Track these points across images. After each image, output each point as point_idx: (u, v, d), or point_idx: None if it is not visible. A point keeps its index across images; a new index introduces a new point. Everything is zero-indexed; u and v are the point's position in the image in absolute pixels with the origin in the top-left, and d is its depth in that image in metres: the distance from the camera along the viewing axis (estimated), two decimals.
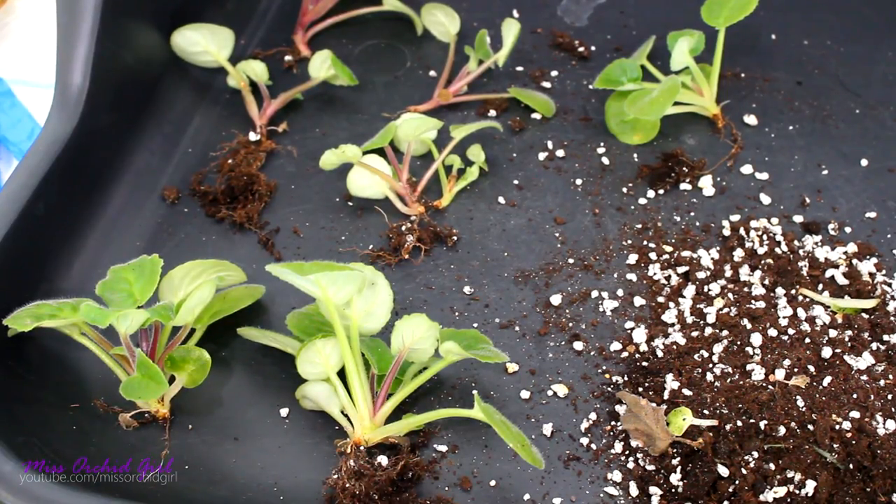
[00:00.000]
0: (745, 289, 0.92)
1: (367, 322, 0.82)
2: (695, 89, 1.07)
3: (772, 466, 0.78)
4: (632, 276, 0.95)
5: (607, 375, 0.88)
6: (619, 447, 0.83)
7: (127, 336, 0.80)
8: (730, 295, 0.92)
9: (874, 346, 0.87)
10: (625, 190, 1.03)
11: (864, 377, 0.84)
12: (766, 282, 0.93)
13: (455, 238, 0.99)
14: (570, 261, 0.97)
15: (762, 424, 0.80)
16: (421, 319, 0.81)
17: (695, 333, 0.89)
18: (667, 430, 0.80)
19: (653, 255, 0.97)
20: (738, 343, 0.87)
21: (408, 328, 0.81)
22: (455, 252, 0.98)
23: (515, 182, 1.04)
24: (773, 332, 0.88)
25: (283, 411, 0.86)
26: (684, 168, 1.03)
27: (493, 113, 1.11)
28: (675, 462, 0.81)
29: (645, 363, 0.88)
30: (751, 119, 1.09)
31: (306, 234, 1.00)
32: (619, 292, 0.94)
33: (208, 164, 1.06)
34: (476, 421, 0.83)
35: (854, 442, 0.79)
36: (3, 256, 0.87)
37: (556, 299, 0.94)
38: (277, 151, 1.08)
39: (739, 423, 0.80)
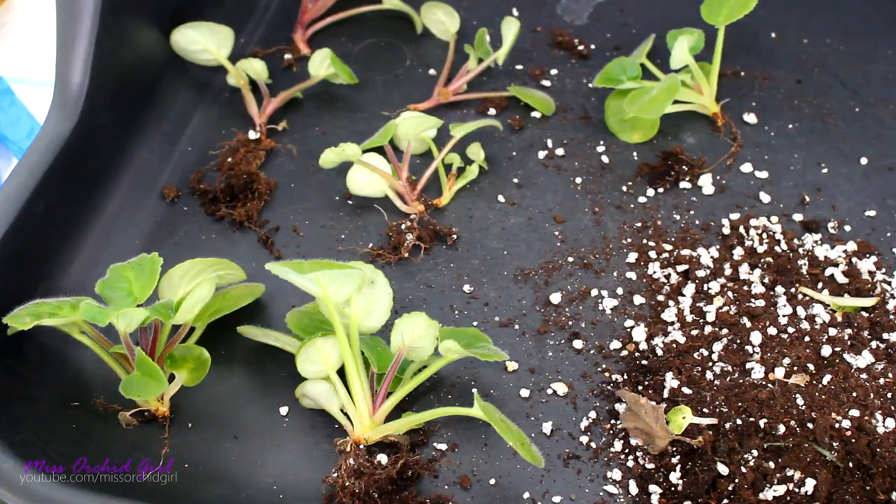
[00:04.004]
0: (745, 287, 0.92)
1: (367, 320, 0.82)
2: (694, 88, 1.07)
3: (771, 465, 0.78)
4: (631, 275, 0.95)
5: (607, 374, 0.88)
6: (618, 445, 0.83)
7: (126, 334, 0.80)
8: (729, 293, 0.92)
9: (874, 344, 0.87)
10: (624, 188, 1.03)
11: (864, 375, 0.84)
12: (766, 280, 0.93)
13: (455, 236, 0.99)
14: (570, 259, 0.97)
15: (762, 423, 0.80)
16: (420, 318, 0.81)
17: (694, 332, 0.89)
18: (666, 429, 0.80)
19: (652, 254, 0.97)
20: (738, 341, 0.87)
21: (407, 326, 0.81)
22: (455, 250, 0.98)
23: (515, 180, 1.04)
24: (772, 331, 0.88)
25: (283, 410, 0.86)
26: (684, 166, 1.03)
27: (492, 111, 1.11)
28: (674, 460, 0.81)
29: (644, 361, 0.88)
30: (750, 117, 1.09)
31: (306, 233, 1.00)
32: (619, 291, 0.94)
33: (208, 162, 1.06)
34: (476, 419, 0.83)
35: (853, 440, 0.79)
36: (2, 255, 0.87)
37: (555, 298, 0.94)
38: (277, 150, 1.08)
39: (739, 422, 0.80)
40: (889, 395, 0.82)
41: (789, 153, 1.06)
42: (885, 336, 0.88)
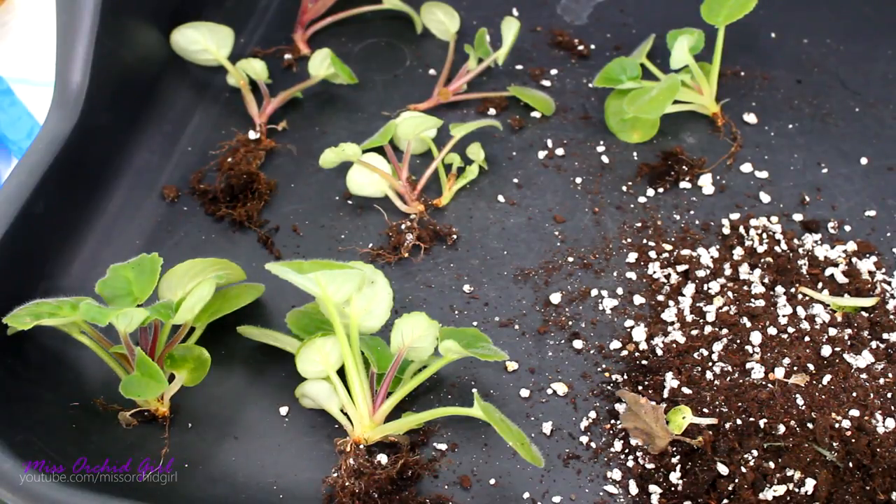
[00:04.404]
0: (745, 287, 0.92)
1: (367, 320, 0.82)
2: (694, 88, 1.07)
3: (771, 465, 0.78)
4: (631, 275, 0.95)
5: (607, 374, 0.88)
6: (618, 445, 0.83)
7: (126, 334, 0.80)
8: (729, 293, 0.92)
9: (874, 344, 0.87)
10: (624, 188, 1.03)
11: (864, 375, 0.84)
12: (766, 280, 0.93)
13: (455, 236, 0.99)
14: (570, 259, 0.97)
15: (762, 423, 0.80)
16: (420, 318, 0.81)
17: (694, 332, 0.89)
18: (666, 429, 0.80)
19: (652, 254, 0.97)
20: (738, 341, 0.87)
21: (407, 326, 0.81)
22: (455, 250, 0.98)
23: (515, 180, 1.04)
24: (772, 331, 0.88)
25: (283, 410, 0.86)
26: (684, 166, 1.03)
27: (492, 111, 1.11)
28: (674, 460, 0.81)
29: (644, 361, 0.88)
30: (750, 117, 1.09)
31: (306, 233, 1.00)
32: (619, 291, 0.94)
33: (208, 162, 1.06)
34: (476, 419, 0.83)
35: (853, 440, 0.79)
36: (2, 255, 0.87)
37: (555, 298, 0.94)
38: (277, 150, 1.08)
39: (739, 422, 0.80)
40: (889, 395, 0.82)
41: (789, 153, 1.06)
42: (885, 336, 0.88)
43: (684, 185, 1.03)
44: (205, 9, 1.16)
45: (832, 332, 0.88)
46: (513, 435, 0.77)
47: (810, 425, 0.80)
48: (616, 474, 0.81)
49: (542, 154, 1.07)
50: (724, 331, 0.88)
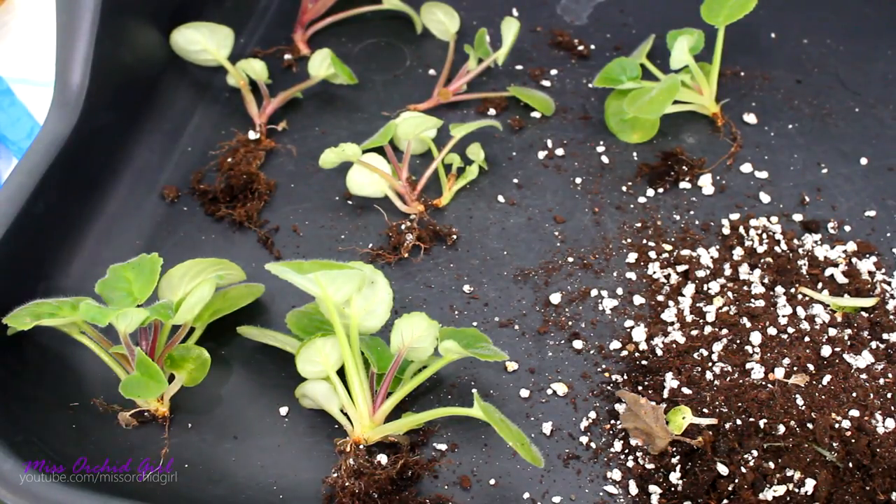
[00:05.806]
0: (745, 287, 0.92)
1: (367, 321, 0.82)
2: (694, 88, 1.07)
3: (771, 465, 0.78)
4: (631, 275, 0.95)
5: (607, 374, 0.88)
6: (618, 446, 0.83)
7: (126, 334, 0.80)
8: (729, 293, 0.92)
9: (873, 344, 0.87)
10: (624, 188, 1.03)
11: (864, 376, 0.84)
12: (766, 280, 0.93)
13: (454, 237, 0.99)
14: (570, 259, 0.97)
15: (762, 423, 0.80)
16: (420, 318, 0.81)
17: (694, 332, 0.89)
18: (666, 429, 0.80)
19: (652, 254, 0.97)
20: (738, 342, 0.87)
21: (407, 327, 0.81)
22: (454, 251, 0.98)
23: (515, 181, 1.04)
24: (772, 331, 0.88)
25: (283, 410, 0.86)
26: (684, 167, 1.03)
27: (492, 111, 1.11)
28: (674, 461, 0.81)
29: (644, 362, 0.88)
30: (750, 118, 1.09)
31: (306, 233, 1.00)
32: (619, 291, 0.94)
33: (208, 162, 1.06)
34: (475, 419, 0.83)
35: (853, 440, 0.79)
36: (2, 255, 0.87)
37: (555, 298, 0.94)
38: (277, 150, 1.08)
39: (739, 422, 0.80)
40: (889, 395, 0.82)
41: (789, 153, 1.06)
42: (885, 336, 0.88)
43: (684, 185, 1.03)
44: (205, 9, 1.16)
45: (832, 332, 0.88)
46: (513, 435, 0.77)
47: (810, 425, 0.80)
48: (616, 474, 0.81)
49: (542, 154, 1.07)
50: (724, 331, 0.88)
